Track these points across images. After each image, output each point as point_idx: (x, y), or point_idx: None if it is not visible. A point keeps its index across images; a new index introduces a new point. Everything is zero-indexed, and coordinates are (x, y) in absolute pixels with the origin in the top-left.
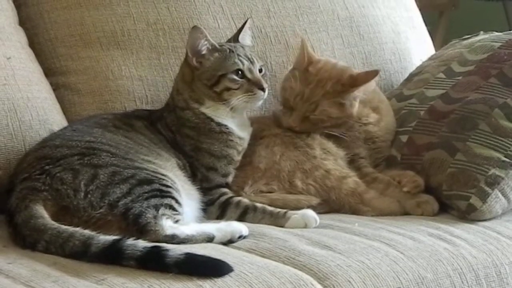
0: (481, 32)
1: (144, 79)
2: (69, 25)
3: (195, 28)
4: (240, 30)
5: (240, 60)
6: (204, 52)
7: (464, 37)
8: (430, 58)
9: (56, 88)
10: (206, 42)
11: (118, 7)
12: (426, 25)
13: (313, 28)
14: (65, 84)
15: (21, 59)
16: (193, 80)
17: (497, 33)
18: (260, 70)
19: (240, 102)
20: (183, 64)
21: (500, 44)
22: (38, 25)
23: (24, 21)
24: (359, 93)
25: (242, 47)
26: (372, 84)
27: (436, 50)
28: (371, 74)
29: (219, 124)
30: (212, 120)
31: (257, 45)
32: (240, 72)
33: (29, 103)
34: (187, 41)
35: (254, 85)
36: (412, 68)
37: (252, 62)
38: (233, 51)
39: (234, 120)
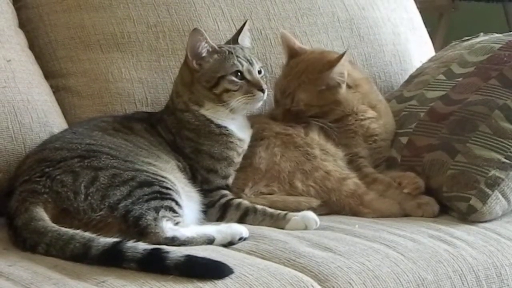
0: (481, 34)
1: (144, 82)
2: (69, 28)
3: (195, 30)
4: (239, 32)
5: (239, 62)
6: (204, 54)
7: (464, 39)
8: (430, 60)
9: (56, 90)
10: (206, 45)
11: (118, 9)
12: (426, 26)
13: (313, 30)
14: (65, 87)
15: (21, 62)
16: (193, 82)
17: (497, 35)
18: (260, 72)
19: (239, 104)
20: (183, 67)
21: (500, 45)
22: (38, 27)
23: (24, 24)
24: (335, 75)
25: (241, 48)
26: (345, 66)
27: (436, 52)
28: (340, 56)
29: (219, 126)
30: (212, 122)
31: (257, 47)
32: (239, 74)
33: (29, 105)
34: (187, 43)
35: (253, 87)
36: (412, 69)
37: (251, 64)
38: (232, 53)
39: (234, 122)
